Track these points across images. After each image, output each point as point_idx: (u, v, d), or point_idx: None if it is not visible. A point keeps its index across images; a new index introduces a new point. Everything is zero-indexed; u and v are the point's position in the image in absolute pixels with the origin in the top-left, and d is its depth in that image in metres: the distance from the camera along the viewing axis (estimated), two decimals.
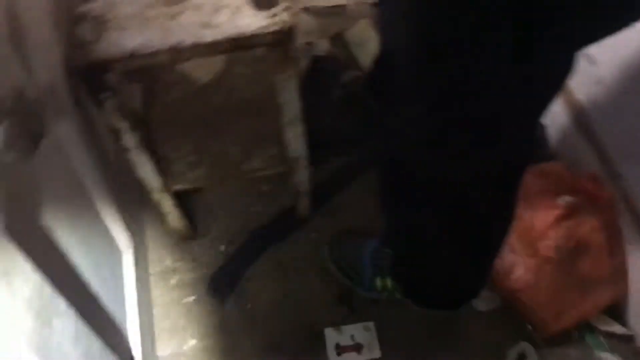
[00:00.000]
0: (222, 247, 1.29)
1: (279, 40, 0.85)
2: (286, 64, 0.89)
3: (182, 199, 1.22)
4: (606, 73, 1.11)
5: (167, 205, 1.16)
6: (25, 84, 0.67)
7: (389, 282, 1.17)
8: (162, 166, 1.09)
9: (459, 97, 0.66)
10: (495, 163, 0.77)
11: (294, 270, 1.26)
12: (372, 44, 1.51)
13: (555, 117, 1.29)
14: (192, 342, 1.18)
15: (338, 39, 1.57)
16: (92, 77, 0.83)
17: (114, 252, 1.07)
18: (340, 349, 1.17)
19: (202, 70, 1.20)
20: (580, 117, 1.23)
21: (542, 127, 1.36)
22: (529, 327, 1.16)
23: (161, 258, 1.29)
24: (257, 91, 1.15)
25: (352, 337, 1.19)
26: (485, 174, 0.79)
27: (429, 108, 0.70)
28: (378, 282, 1.18)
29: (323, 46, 1.53)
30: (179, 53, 0.83)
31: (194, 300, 1.23)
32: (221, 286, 1.23)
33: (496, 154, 0.75)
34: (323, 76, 1.44)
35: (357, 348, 1.18)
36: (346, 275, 1.22)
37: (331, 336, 1.19)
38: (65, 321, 0.68)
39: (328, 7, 1.61)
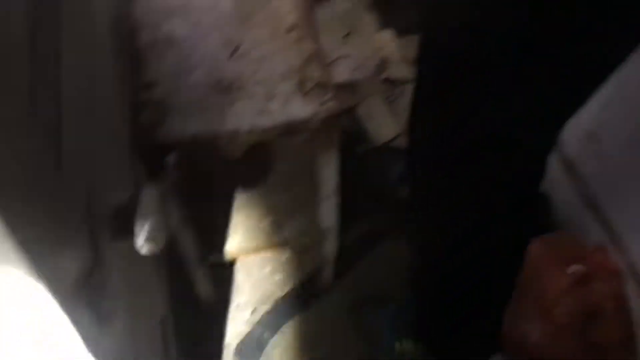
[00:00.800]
0: (247, 315, 1.32)
1: (327, 125, 0.93)
2: (330, 145, 0.97)
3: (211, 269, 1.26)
4: (608, 148, 1.22)
5: (200, 275, 1.20)
6: None
7: (408, 346, 1.21)
8: (199, 237, 1.14)
9: None
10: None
11: (318, 336, 1.29)
12: (382, 118, 1.61)
13: (559, 189, 1.39)
14: None
15: (350, 113, 1.67)
16: (155, 158, 0.90)
17: None
18: None
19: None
20: (584, 189, 1.32)
21: (546, 199, 1.45)
22: None
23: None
24: (289, 166, 1.22)
25: None
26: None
27: None
28: (397, 346, 1.22)
29: None
30: (236, 138, 0.90)
31: None
32: (249, 353, 1.26)
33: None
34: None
35: None
36: (367, 341, 1.26)
37: None
38: None
39: (339, 83, 1.72)
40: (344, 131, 1.54)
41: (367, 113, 1.65)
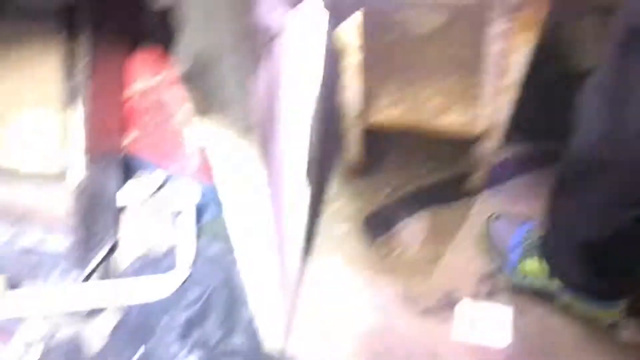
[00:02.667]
0: (387, 191, 1.34)
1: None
2: (528, 28, 0.89)
3: (367, 135, 1.27)
4: None
5: (355, 134, 1.22)
6: None
7: (535, 266, 1.14)
8: (366, 96, 1.15)
9: None
10: None
11: (449, 234, 1.27)
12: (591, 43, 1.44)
13: None
14: (337, 265, 1.25)
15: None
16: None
17: None
18: (470, 323, 1.18)
19: (423, 22, 1.22)
20: None
21: None
22: None
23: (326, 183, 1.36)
24: (472, 52, 1.15)
25: (484, 315, 1.19)
26: None
27: None
28: (524, 266, 1.16)
29: None
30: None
31: (347, 231, 1.30)
32: (376, 226, 1.29)
33: None
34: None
35: (487, 329, 1.18)
36: (496, 255, 1.22)
37: (465, 307, 1.19)
38: None
39: None
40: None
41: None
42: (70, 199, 0.95)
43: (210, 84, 0.87)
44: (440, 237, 1.27)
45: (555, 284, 1.12)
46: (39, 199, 1.03)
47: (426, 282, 1.22)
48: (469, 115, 1.15)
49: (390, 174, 1.36)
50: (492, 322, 1.18)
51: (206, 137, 1.17)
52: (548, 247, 1.11)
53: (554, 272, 1.11)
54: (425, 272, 1.23)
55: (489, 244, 1.23)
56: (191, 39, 0.86)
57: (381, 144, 1.38)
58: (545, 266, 1.12)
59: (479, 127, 1.14)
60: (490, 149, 1.17)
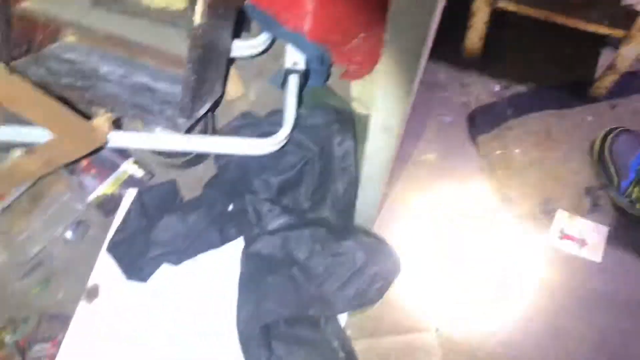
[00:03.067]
0: (497, 88, 1.26)
1: None
2: None
3: (493, 20, 1.17)
4: None
5: (480, 17, 1.12)
6: None
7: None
8: None
9: None
10: None
11: (558, 141, 1.20)
12: None
13: None
14: (431, 156, 1.21)
15: None
16: None
17: None
18: (563, 235, 1.14)
19: None
20: None
21: None
22: None
23: (435, 70, 1.29)
24: None
25: (580, 230, 1.14)
26: None
27: None
28: (636, 191, 1.09)
29: None
30: None
31: (449, 121, 1.24)
32: (482, 122, 1.22)
33: None
34: None
35: (581, 242, 1.14)
36: (608, 172, 1.15)
37: (561, 219, 1.15)
38: None
39: None
40: None
41: None
42: (187, 43, 0.92)
43: None
44: (547, 144, 1.20)
45: None
46: (157, 38, 1.00)
47: (524, 187, 1.17)
48: (613, 10, 1.04)
49: (507, 69, 1.27)
50: (587, 236, 1.13)
51: None
52: None
53: None
54: (525, 177, 1.18)
55: (605, 158, 1.15)
56: None
57: (504, 35, 1.28)
58: None
59: (619, 25, 1.03)
60: (631, 54, 1.06)
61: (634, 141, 1.13)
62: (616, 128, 1.16)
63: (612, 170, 1.14)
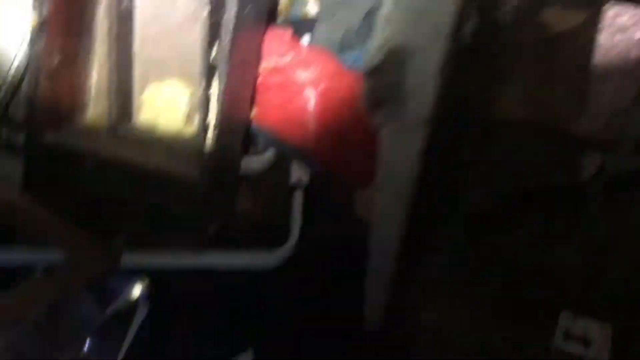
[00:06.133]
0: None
1: None
2: None
3: None
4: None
5: None
6: None
7: None
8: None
9: None
10: None
11: None
12: None
13: None
14: None
15: None
16: None
17: None
18: (568, 336, 1.15)
19: (560, 19, 1.17)
20: None
21: None
22: None
23: None
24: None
25: (585, 330, 1.15)
26: None
27: None
28: None
29: None
30: None
31: None
32: None
33: None
34: None
35: (585, 343, 1.15)
36: None
37: (566, 319, 1.16)
38: None
39: None
40: None
41: None
42: (198, 165, 0.98)
43: (394, 77, 0.87)
44: None
45: None
46: (170, 162, 1.06)
47: None
48: (598, 121, 1.10)
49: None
50: (590, 338, 1.15)
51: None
52: None
53: None
54: None
55: None
56: (387, 34, 0.85)
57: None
58: None
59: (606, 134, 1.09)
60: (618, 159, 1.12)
61: None
62: None
63: None
